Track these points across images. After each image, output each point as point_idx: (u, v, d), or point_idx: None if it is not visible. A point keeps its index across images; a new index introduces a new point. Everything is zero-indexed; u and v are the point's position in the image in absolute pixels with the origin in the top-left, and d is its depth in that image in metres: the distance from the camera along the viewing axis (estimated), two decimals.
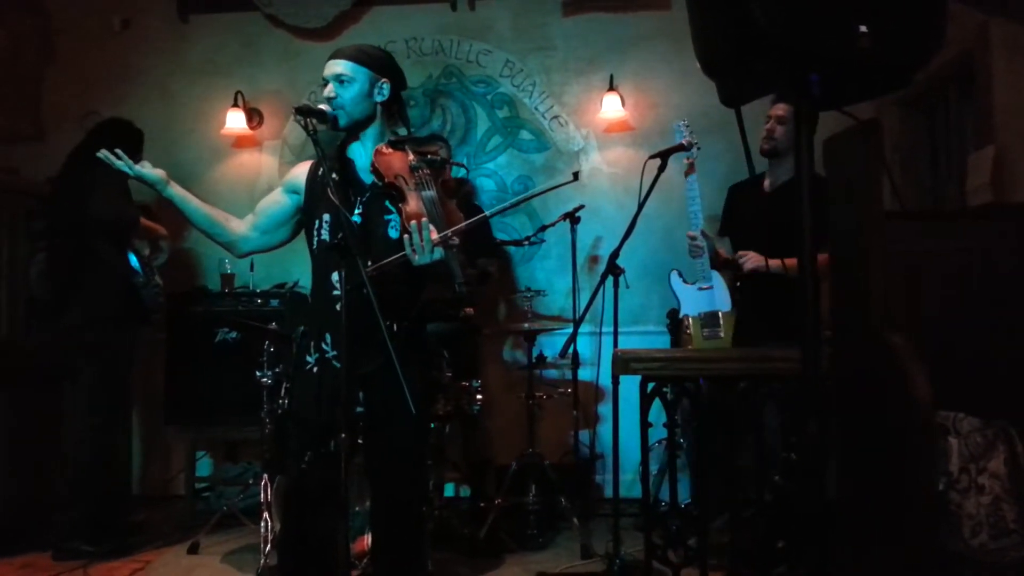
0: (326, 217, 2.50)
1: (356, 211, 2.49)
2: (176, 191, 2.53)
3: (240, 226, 2.63)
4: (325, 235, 2.49)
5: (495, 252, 4.73)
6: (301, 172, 2.63)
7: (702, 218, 3.82)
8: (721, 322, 3.68)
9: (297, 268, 4.42)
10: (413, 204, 2.37)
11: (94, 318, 3.97)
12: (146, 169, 2.50)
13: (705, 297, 3.75)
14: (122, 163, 2.45)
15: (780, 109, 3.67)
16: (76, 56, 5.40)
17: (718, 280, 3.77)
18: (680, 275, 3.86)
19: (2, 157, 5.01)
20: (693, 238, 3.77)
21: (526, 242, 4.58)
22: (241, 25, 5.36)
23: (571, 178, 2.50)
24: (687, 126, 3.79)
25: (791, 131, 3.59)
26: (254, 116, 5.29)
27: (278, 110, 5.31)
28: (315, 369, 2.51)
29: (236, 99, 5.18)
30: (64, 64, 5.42)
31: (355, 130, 2.53)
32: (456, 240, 2.31)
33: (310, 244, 2.57)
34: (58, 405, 4.25)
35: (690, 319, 3.75)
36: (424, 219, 2.30)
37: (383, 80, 2.51)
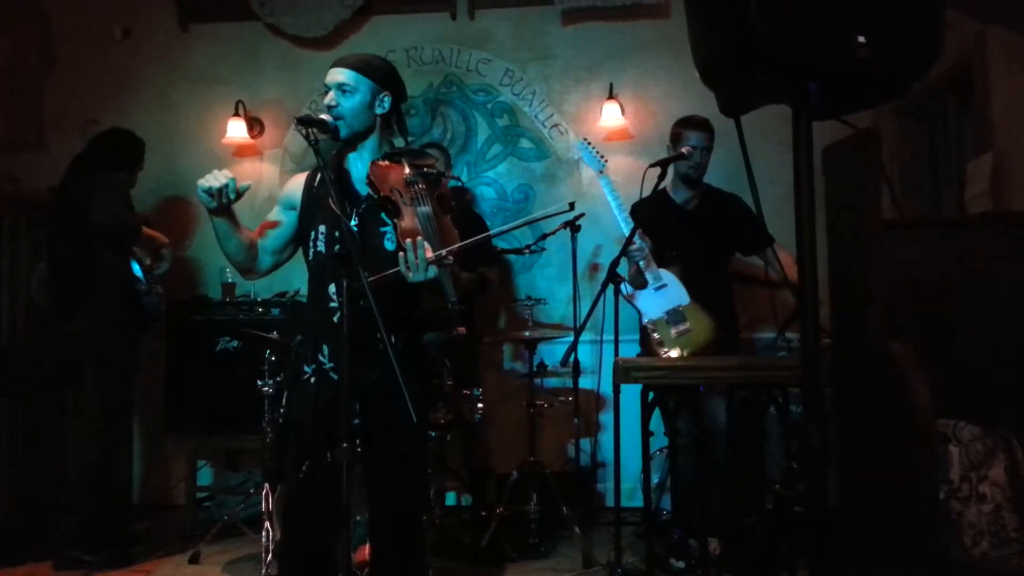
0: (322, 228, 2.49)
1: (352, 222, 2.47)
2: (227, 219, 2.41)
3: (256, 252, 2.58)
4: (321, 246, 2.49)
5: (494, 260, 4.72)
6: (296, 186, 2.62)
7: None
8: (686, 316, 3.64)
9: (298, 277, 4.40)
10: (408, 220, 2.36)
11: (99, 326, 3.97)
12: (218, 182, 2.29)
13: (663, 296, 3.70)
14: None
15: (704, 139, 3.81)
16: (77, 65, 5.41)
17: (669, 276, 3.71)
18: (630, 285, 3.75)
19: (3, 165, 5.01)
20: (632, 243, 3.64)
21: (527, 251, 4.55)
22: (242, 34, 5.37)
23: (567, 208, 2.51)
24: (590, 143, 3.92)
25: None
26: (255, 125, 5.29)
27: (279, 119, 5.32)
28: (312, 379, 2.51)
29: (237, 108, 5.19)
30: (65, 73, 5.43)
31: (354, 142, 2.52)
32: (450, 259, 2.31)
33: (306, 255, 2.56)
34: (61, 413, 4.25)
35: (654, 324, 3.68)
36: (419, 237, 2.29)
37: (385, 93, 2.50)
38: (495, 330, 5.10)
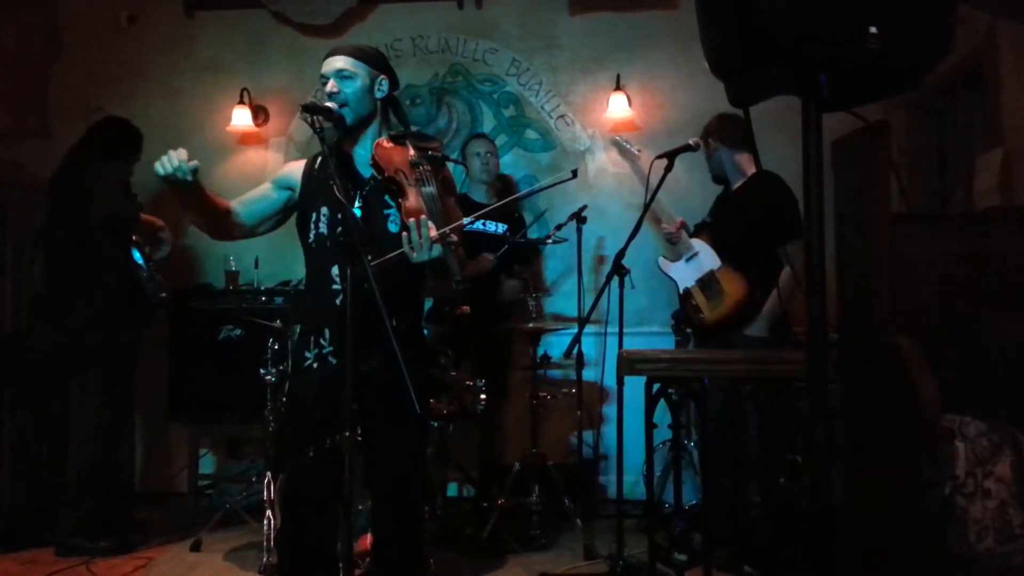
0: (324, 210, 2.49)
1: (356, 204, 2.48)
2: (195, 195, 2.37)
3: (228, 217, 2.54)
4: (324, 228, 2.48)
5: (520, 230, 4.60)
6: (296, 168, 2.62)
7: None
8: (719, 279, 3.70)
9: (301, 265, 4.40)
10: (413, 200, 2.37)
11: (100, 316, 3.96)
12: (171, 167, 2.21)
13: (695, 265, 3.79)
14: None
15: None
16: (82, 52, 5.40)
17: (699, 244, 3.81)
18: (665, 258, 3.92)
19: (8, 153, 5.01)
20: (671, 231, 3.86)
21: (548, 241, 4.43)
22: (247, 22, 5.36)
23: (570, 175, 2.49)
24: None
25: (717, 158, 3.89)
26: (260, 113, 5.28)
27: (284, 107, 5.31)
28: (314, 365, 2.50)
29: (242, 96, 5.18)
30: (70, 60, 5.42)
31: (358, 129, 2.52)
32: (455, 237, 2.31)
33: (304, 238, 2.55)
34: (63, 402, 4.25)
35: (691, 291, 3.78)
36: (423, 216, 2.29)
37: (382, 76, 2.53)
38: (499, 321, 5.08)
